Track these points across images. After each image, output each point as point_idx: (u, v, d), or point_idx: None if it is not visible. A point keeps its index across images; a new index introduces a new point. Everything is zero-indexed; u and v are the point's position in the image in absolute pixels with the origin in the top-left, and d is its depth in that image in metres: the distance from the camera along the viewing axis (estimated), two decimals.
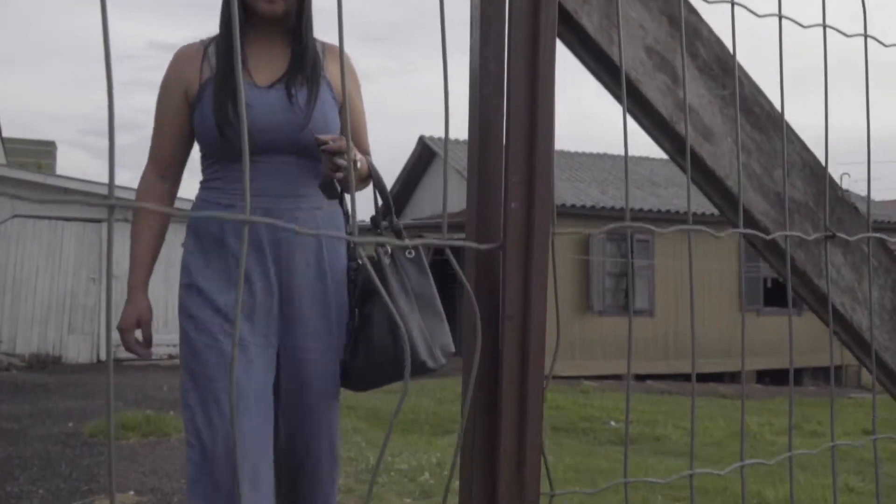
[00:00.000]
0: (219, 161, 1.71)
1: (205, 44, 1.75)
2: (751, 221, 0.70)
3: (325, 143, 1.57)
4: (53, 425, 5.96)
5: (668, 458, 6.29)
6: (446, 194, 0.51)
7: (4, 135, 18.62)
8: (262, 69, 1.72)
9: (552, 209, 0.54)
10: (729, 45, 0.70)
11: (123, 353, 11.51)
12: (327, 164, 1.61)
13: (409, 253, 1.70)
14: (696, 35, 0.66)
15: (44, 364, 10.70)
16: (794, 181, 0.73)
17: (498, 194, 0.52)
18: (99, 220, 11.51)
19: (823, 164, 0.79)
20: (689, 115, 0.62)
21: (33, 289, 11.34)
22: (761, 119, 0.71)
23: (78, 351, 11.35)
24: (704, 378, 13.18)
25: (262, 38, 1.73)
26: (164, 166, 1.78)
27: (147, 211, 1.78)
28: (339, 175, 1.62)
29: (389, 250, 1.69)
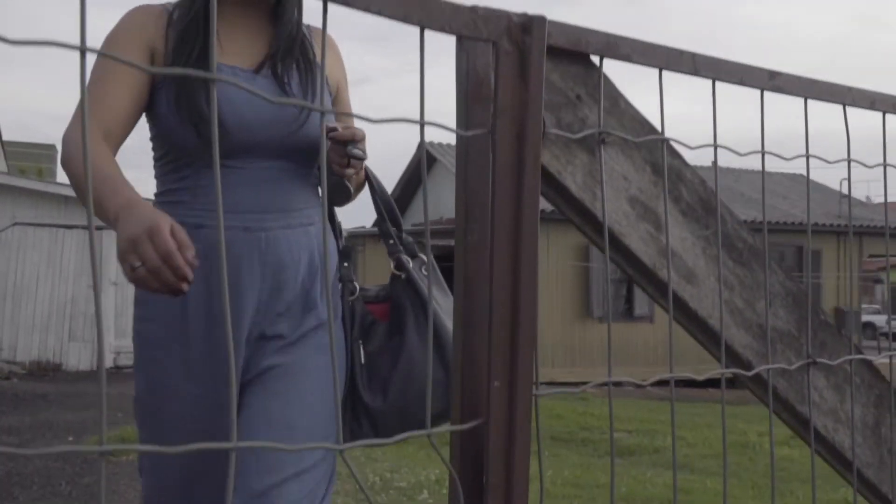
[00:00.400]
0: (187, 167, 1.33)
1: (168, 9, 1.36)
2: (733, 356, 0.72)
3: (335, 129, 1.30)
4: (53, 439, 5.99)
5: (666, 472, 6.29)
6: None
7: (5, 138, 18.67)
8: (238, 49, 1.36)
9: (535, 377, 0.55)
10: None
11: (123, 361, 11.53)
12: (336, 157, 1.31)
13: (425, 270, 1.49)
14: (679, 178, 0.68)
15: (44, 371, 10.73)
16: (776, 311, 0.75)
17: (483, 372, 0.53)
18: (99, 228, 11.53)
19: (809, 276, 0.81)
20: (671, 259, 0.64)
21: (34, 296, 11.37)
22: (744, 254, 0.73)
23: (78, 358, 11.38)
24: (703, 384, 13.19)
25: (232, 10, 1.35)
26: (107, 129, 1.29)
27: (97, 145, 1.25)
28: (351, 171, 1.33)
29: (410, 263, 1.47)
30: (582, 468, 6.21)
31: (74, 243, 11.61)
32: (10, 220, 11.35)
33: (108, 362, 11.46)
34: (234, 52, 1.35)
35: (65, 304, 11.45)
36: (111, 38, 1.34)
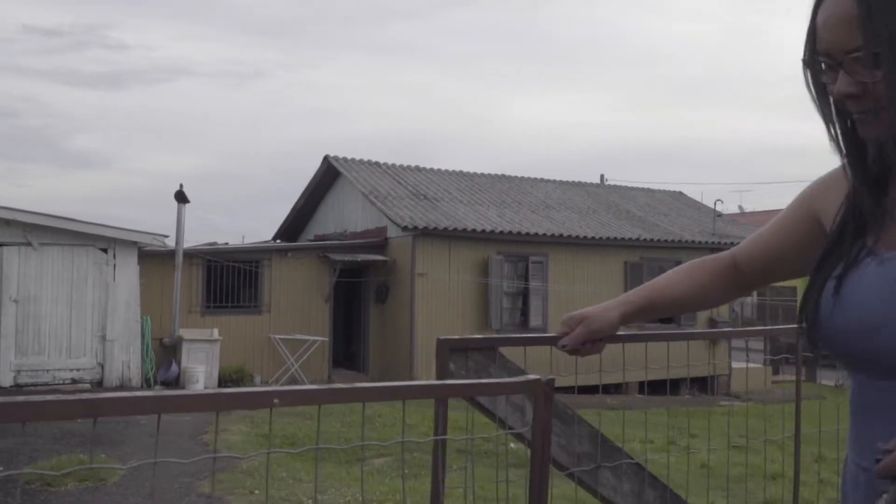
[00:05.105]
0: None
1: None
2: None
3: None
4: None
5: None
6: None
7: None
8: None
9: None
10: None
11: (25, 379, 11.43)
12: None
13: None
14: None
15: None
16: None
17: None
18: (9, 244, 11.41)
19: None
20: None
21: None
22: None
23: None
24: (593, 390, 14.21)
25: None
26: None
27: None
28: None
29: None
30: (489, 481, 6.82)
31: None
32: None
33: (9, 380, 11.34)
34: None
35: None
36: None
